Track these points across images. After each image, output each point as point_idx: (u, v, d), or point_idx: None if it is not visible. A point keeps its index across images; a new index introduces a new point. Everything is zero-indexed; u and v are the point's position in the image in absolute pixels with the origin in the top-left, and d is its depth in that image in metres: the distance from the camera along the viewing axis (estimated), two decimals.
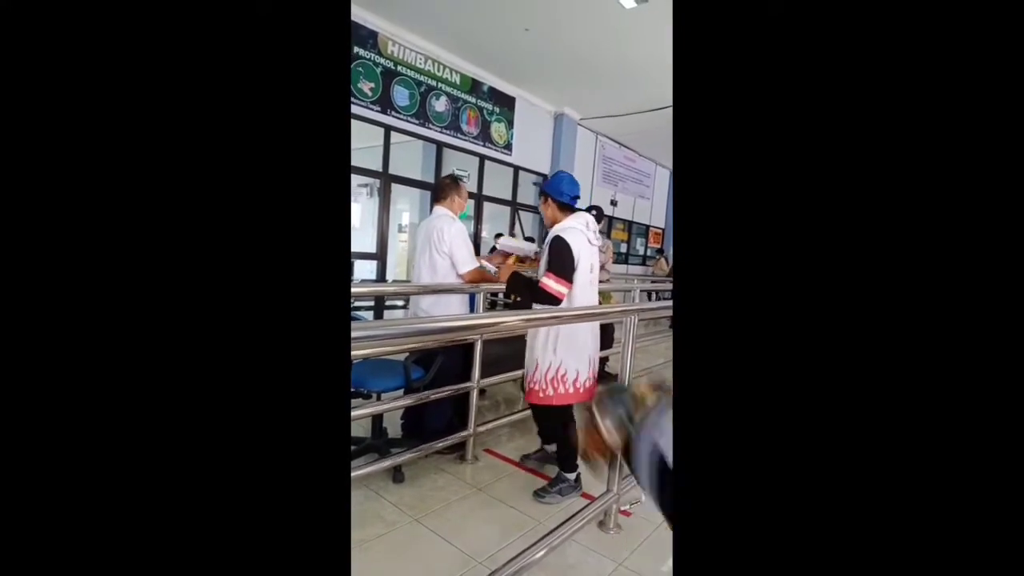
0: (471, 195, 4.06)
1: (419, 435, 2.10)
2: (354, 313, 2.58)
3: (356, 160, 5.85)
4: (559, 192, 1.99)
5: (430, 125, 4.99)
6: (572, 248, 1.88)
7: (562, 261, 1.86)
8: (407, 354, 2.04)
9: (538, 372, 1.92)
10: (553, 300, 1.85)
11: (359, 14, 4.25)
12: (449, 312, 2.25)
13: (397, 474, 2.04)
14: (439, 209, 2.36)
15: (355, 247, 5.70)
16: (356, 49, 4.30)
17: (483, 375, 2.17)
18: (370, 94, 4.44)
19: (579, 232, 1.93)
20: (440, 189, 2.38)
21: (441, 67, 4.99)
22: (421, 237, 2.33)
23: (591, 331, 1.99)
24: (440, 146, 5.29)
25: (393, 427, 2.28)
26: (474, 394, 2.13)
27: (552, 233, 1.93)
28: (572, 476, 2.01)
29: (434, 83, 4.96)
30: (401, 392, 2.03)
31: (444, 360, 2.08)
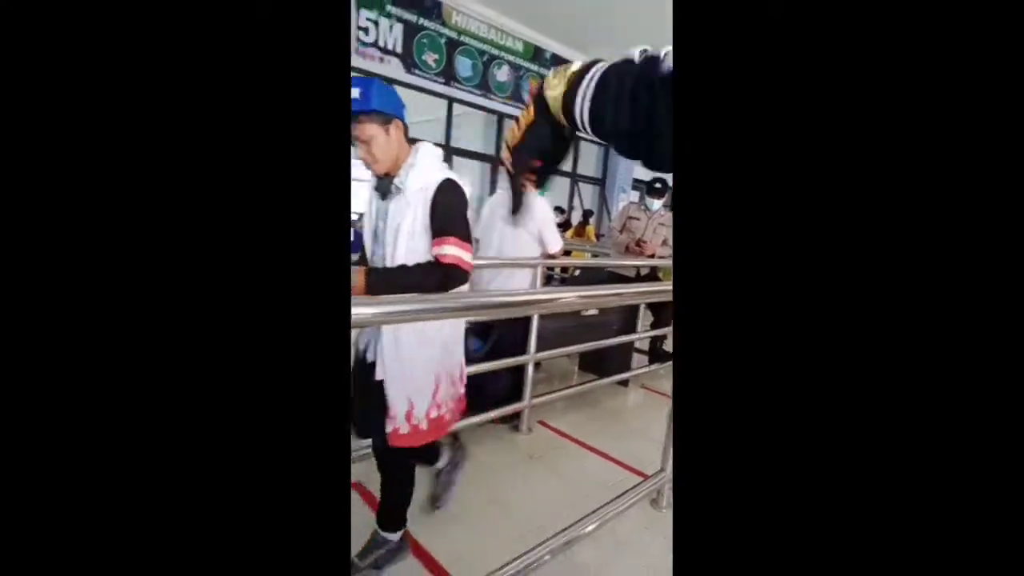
0: None
1: (477, 404, 2.16)
2: None
3: (419, 133, 5.91)
4: (400, 109, 1.23)
5: (492, 96, 4.96)
6: (468, 199, 1.26)
7: (463, 218, 1.23)
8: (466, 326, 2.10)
9: (440, 391, 1.29)
10: (458, 279, 1.20)
11: None
12: (520, 286, 2.26)
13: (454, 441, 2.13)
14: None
15: None
16: (421, 20, 4.31)
17: (539, 349, 2.19)
18: (434, 66, 4.46)
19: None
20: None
21: (504, 35, 4.92)
22: (499, 211, 2.34)
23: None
24: (502, 117, 5.26)
25: None
26: (530, 367, 2.16)
27: (431, 175, 1.22)
28: (397, 536, 1.40)
29: (497, 52, 4.90)
30: None
31: (503, 333, 2.12)
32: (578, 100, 0.48)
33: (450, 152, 5.01)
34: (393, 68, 4.24)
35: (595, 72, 0.48)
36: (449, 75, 4.59)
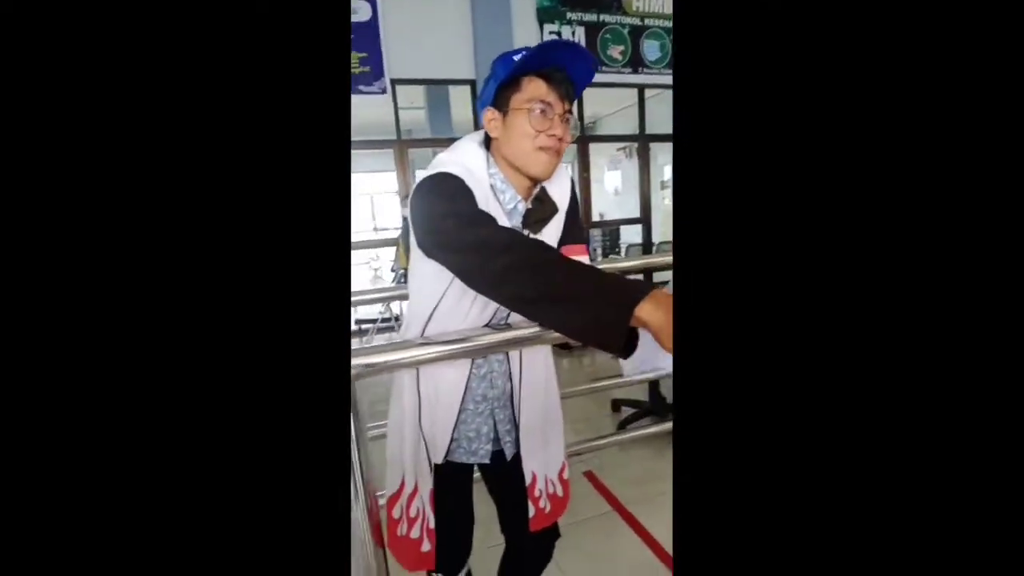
0: None
1: None
2: None
3: (609, 128, 5.75)
4: None
5: None
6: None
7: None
8: None
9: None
10: None
11: None
12: None
13: None
14: None
15: (618, 213, 5.97)
16: (601, 17, 4.19)
17: None
18: (620, 58, 4.29)
19: None
20: None
21: None
22: None
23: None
24: None
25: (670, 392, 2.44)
26: None
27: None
28: None
29: None
30: None
31: None
32: None
33: (646, 140, 4.84)
34: None
35: None
36: (637, 63, 4.37)
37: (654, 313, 0.53)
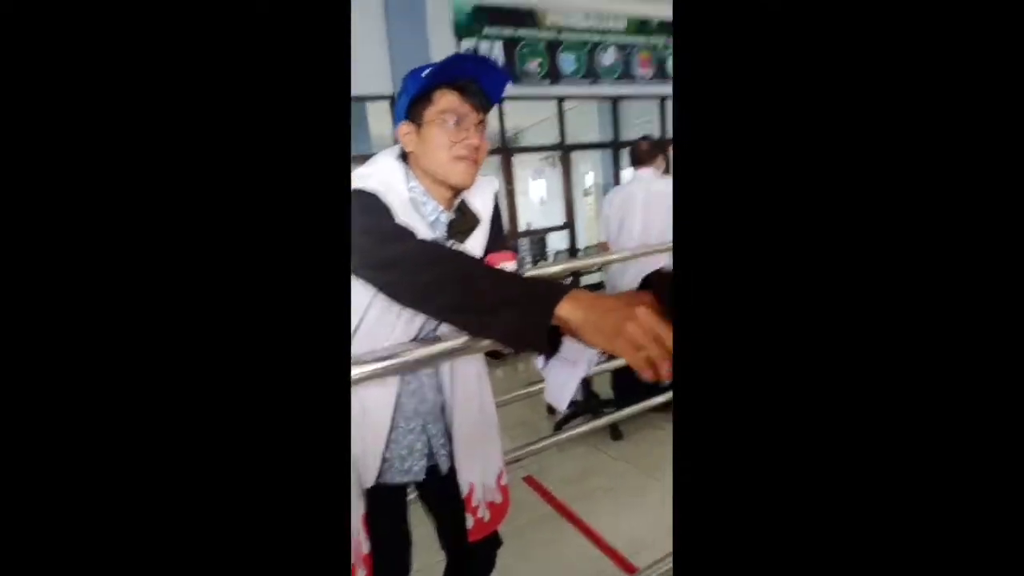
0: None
1: (634, 393, 1.90)
2: None
3: (532, 139, 5.87)
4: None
5: (601, 82, 4.77)
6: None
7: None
8: None
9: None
10: None
11: None
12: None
13: (615, 431, 2.29)
14: (646, 172, 2.28)
15: (545, 222, 6.04)
16: (518, 31, 4.28)
17: None
18: (538, 71, 4.41)
19: None
20: (645, 153, 2.29)
21: (604, 19, 4.67)
22: (630, 202, 2.27)
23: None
24: (615, 101, 5.06)
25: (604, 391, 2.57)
26: None
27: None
28: None
29: (599, 38, 4.67)
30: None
31: None
32: None
33: (567, 149, 4.98)
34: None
35: None
36: (555, 75, 4.51)
37: (574, 311, 0.55)
